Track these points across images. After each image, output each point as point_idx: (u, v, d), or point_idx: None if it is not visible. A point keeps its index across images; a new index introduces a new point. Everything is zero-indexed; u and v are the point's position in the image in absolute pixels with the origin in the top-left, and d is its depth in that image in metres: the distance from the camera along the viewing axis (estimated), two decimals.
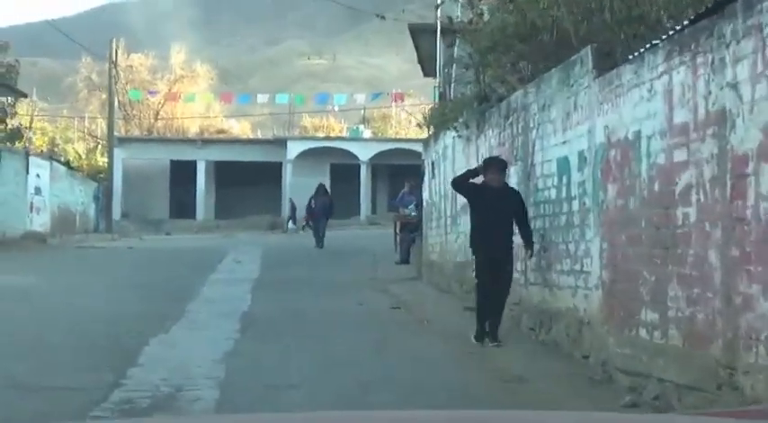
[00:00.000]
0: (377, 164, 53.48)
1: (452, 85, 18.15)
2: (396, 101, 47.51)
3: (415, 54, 24.54)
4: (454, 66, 18.23)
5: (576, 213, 9.91)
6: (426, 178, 19.31)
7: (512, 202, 11.02)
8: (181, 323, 12.52)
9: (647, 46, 8.26)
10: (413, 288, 17.52)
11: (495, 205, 10.89)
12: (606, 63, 9.39)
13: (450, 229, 16.61)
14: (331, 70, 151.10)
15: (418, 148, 52.71)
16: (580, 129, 9.83)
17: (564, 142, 10.31)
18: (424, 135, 63.20)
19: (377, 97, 48.80)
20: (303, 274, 20.12)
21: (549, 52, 13.53)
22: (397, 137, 60.67)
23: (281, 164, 52.42)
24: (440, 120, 15.83)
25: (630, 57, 8.66)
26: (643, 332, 8.02)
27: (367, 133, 57.90)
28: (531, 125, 11.53)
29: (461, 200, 15.54)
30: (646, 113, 8.01)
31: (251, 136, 66.38)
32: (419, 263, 19.82)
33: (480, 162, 14.28)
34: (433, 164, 18.52)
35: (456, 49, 18.51)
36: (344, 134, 59.94)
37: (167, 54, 71.93)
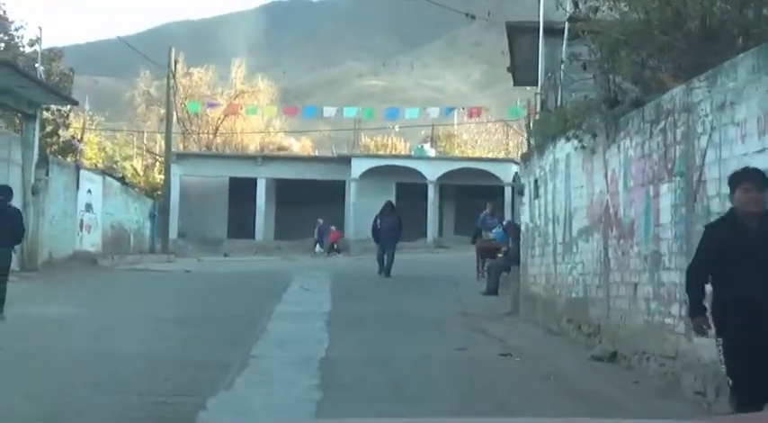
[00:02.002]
0: (444, 184, 51.00)
1: (560, 90, 15.56)
2: (471, 116, 44.93)
3: (501, 62, 22.06)
4: (561, 68, 15.66)
5: None
6: (526, 198, 16.69)
7: None
8: (246, 375, 10.02)
9: None
10: (514, 328, 14.88)
11: (756, 248, 6.71)
12: None
13: (561, 258, 14.00)
14: (389, 91, 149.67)
15: (489, 167, 50.79)
16: None
17: (763, 150, 7.68)
18: (497, 155, 60.78)
19: (450, 112, 46.23)
20: (381, 306, 17.61)
21: (700, 44, 11.02)
22: (465, 156, 58.19)
23: (344, 183, 50.13)
24: (555, 128, 13.25)
25: None
26: None
27: (432, 152, 55.44)
28: (700, 130, 8.92)
29: (579, 224, 12.99)
30: None
31: (312, 154, 64.36)
32: (515, 296, 17.18)
33: (608, 177, 11.77)
34: (536, 181, 15.92)
35: (563, 48, 15.95)
36: (408, 154, 57.63)
37: (227, 74, 70.34)
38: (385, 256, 24.28)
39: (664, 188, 9.78)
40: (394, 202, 49.08)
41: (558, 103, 15.47)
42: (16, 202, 23.42)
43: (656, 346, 9.84)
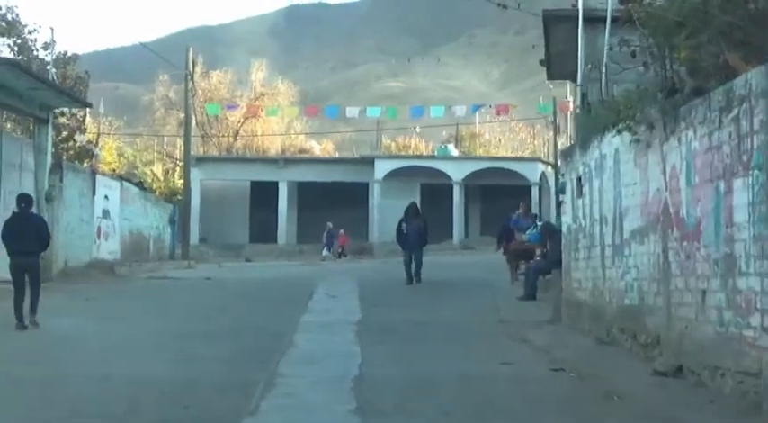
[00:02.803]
0: (469, 184, 49.95)
1: (604, 81, 14.47)
2: (498, 113, 43.83)
3: (520, 61, 20.95)
4: (605, 57, 14.59)
5: None
6: (568, 197, 15.60)
7: None
8: (273, 397, 9.00)
9: None
10: (558, 337, 13.78)
11: None
12: None
13: (611, 261, 12.90)
14: (408, 92, 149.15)
15: (515, 167, 49.66)
16: None
17: None
18: (522, 154, 59.74)
19: (477, 110, 45.14)
20: (414, 314, 16.58)
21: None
22: (489, 155, 57.10)
23: (367, 184, 49.25)
24: (606, 121, 12.15)
25: None
26: None
27: (455, 152, 54.41)
28: None
29: (631, 224, 11.91)
30: None
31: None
32: (556, 301, 16.10)
33: (666, 173, 10.68)
34: (579, 179, 14.82)
35: (606, 36, 14.87)
36: (431, 155, 56.59)
37: (246, 78, 69.58)
38: (412, 262, 22.85)
39: (738, 184, 8.68)
40: (419, 203, 48.48)
41: (603, 94, 14.38)
42: None
43: (732, 362, 8.75)
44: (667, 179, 10.66)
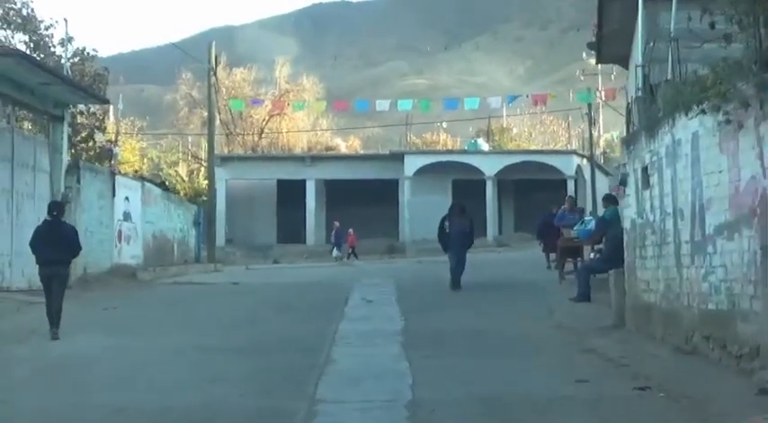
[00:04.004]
0: (502, 179, 48.40)
1: (674, 60, 12.94)
2: (536, 104, 42.28)
3: (544, 56, 19.46)
4: (671, 34, 13.07)
5: None
6: (631, 189, 14.05)
7: None
8: None
9: None
10: (630, 346, 12.24)
11: None
12: None
13: (690, 260, 11.35)
14: (432, 89, 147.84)
15: (550, 160, 48.04)
16: None
17: None
18: (554, 147, 58.31)
19: (513, 100, 43.60)
20: (460, 321, 15.10)
21: None
22: (521, 149, 55.54)
23: (397, 181, 47.82)
24: (689, 99, 10.62)
25: None
26: None
27: (485, 147, 52.89)
28: None
29: (716, 218, 10.39)
30: None
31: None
32: (619, 304, 14.56)
33: (764, 158, 9.17)
34: (644, 169, 13.27)
35: (673, 10, 13.35)
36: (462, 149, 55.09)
37: (270, 76, 68.37)
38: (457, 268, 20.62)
39: None
40: (450, 199, 47.05)
41: (672, 74, 12.85)
42: (44, 211, 21.34)
43: None
44: (765, 165, 9.15)
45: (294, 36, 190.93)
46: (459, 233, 20.65)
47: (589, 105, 47.47)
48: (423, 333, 13.59)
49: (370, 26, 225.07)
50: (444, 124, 74.14)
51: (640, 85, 14.60)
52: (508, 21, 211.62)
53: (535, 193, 46.98)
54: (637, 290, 13.75)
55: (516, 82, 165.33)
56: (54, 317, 13.63)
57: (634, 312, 13.81)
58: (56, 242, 13.91)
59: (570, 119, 65.19)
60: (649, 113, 13.54)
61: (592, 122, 49.25)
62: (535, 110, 56.29)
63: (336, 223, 42.82)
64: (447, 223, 20.98)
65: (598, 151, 53.76)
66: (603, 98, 41.25)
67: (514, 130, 68.63)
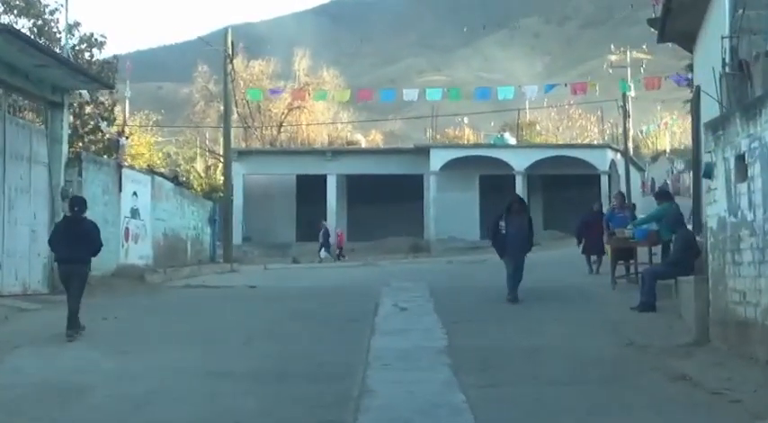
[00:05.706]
0: (531, 174, 46.23)
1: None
2: (575, 92, 40.11)
3: (563, 52, 17.36)
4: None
5: None
6: (719, 182, 11.86)
7: None
8: None
9: None
10: (728, 371, 10.06)
11: None
12: None
13: None
14: (450, 86, 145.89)
15: (582, 155, 45.82)
16: None
17: None
18: (583, 141, 56.10)
19: (551, 89, 41.52)
20: (513, 336, 13.00)
21: None
22: (549, 143, 53.42)
23: (422, 176, 45.74)
24: None
25: None
26: None
27: (512, 141, 50.81)
28: None
29: None
30: None
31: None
32: (701, 318, 12.39)
33: None
34: (740, 157, 11.09)
35: None
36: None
37: (288, 70, 66.49)
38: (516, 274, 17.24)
39: None
40: (478, 195, 44.94)
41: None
42: (41, 207, 19.39)
43: None
44: None
45: (312, 33, 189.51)
46: (517, 235, 17.16)
47: (624, 96, 45.46)
48: (472, 352, 11.47)
49: (389, 23, 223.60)
50: (465, 120, 72.13)
51: (728, 61, 12.42)
52: (526, 17, 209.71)
53: (565, 189, 44.92)
54: (727, 301, 11.56)
55: (535, 78, 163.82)
56: (70, 318, 13.01)
57: (723, 328, 11.64)
58: (74, 239, 13.38)
59: (599, 113, 63.14)
60: (741, 92, 11.38)
61: (626, 115, 47.16)
62: (563, 103, 54.11)
63: (324, 222, 41.93)
64: (502, 223, 17.32)
65: (631, 145, 51.63)
66: (647, 88, 39.05)
67: (537, 127, 66.72)
